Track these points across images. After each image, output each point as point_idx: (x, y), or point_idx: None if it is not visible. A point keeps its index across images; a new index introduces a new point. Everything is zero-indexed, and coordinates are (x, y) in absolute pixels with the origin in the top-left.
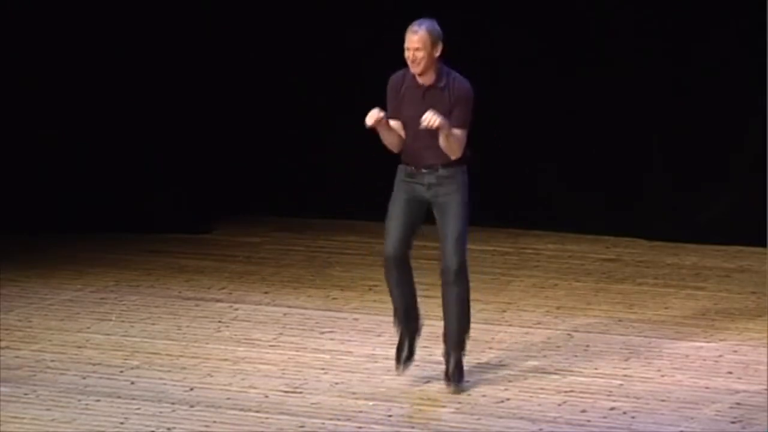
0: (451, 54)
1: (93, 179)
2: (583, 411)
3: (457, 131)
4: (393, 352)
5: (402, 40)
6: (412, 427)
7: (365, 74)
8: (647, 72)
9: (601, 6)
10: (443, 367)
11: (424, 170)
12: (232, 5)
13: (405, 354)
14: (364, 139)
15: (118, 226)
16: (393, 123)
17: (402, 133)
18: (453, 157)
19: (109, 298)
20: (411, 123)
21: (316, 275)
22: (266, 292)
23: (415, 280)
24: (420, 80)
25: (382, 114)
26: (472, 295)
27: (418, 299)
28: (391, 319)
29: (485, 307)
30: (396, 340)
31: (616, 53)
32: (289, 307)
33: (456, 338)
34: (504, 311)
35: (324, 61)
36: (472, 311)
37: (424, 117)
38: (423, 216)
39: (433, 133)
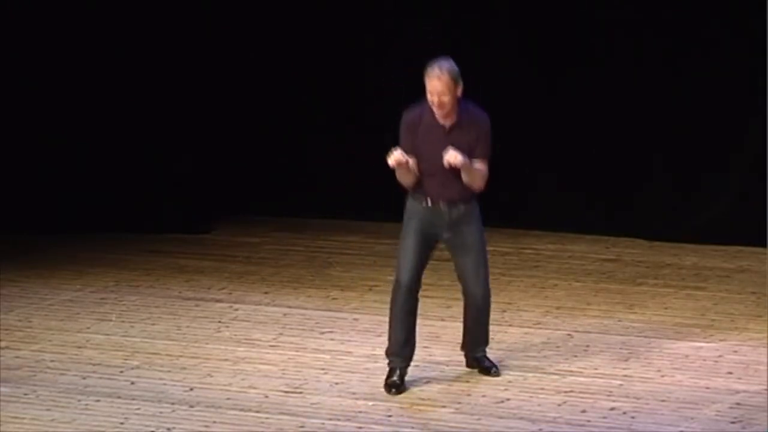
0: (452, 53)
1: (93, 179)
2: (583, 411)
3: (480, 165)
4: None
5: (402, 42)
6: (412, 427)
7: (366, 75)
8: (647, 72)
9: (601, 6)
10: (446, 369)
11: (443, 206)
12: (232, 6)
13: (396, 382)
14: (365, 140)
15: (118, 226)
16: (411, 162)
17: (416, 170)
18: (476, 190)
19: (109, 298)
20: (432, 161)
21: (316, 275)
22: (266, 292)
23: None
24: (441, 120)
25: (405, 157)
26: None
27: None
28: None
29: None
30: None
31: (616, 54)
32: (289, 307)
33: (486, 337)
34: (504, 311)
35: (324, 61)
36: None
37: (446, 156)
38: (433, 252)
39: (454, 169)
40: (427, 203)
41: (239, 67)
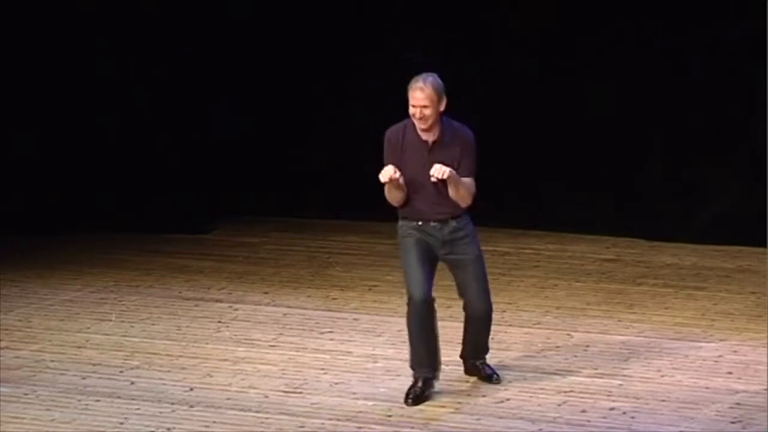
0: (452, 54)
1: (93, 180)
2: (583, 411)
3: (467, 180)
4: (391, 352)
5: (402, 44)
6: (412, 427)
7: (366, 75)
8: (647, 72)
9: (601, 6)
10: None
11: (433, 224)
12: (232, 6)
13: (417, 391)
14: (365, 140)
15: (118, 226)
16: (402, 179)
17: (404, 186)
18: (464, 206)
19: (108, 298)
20: (418, 178)
21: (316, 275)
22: (266, 292)
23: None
24: (424, 136)
25: (397, 174)
26: None
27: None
28: (390, 319)
29: None
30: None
31: (616, 53)
32: (289, 307)
33: (486, 346)
34: (504, 311)
35: (324, 61)
36: None
37: (432, 170)
38: (436, 264)
39: (440, 187)
40: (415, 222)
41: (240, 67)
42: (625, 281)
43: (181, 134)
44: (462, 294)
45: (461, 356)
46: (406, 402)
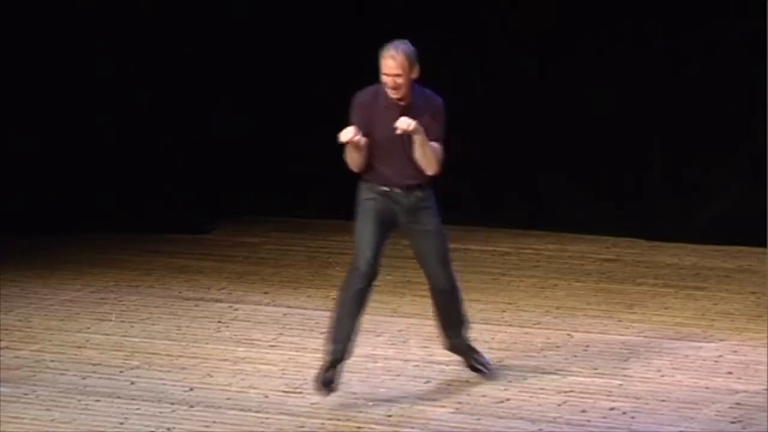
0: (452, 54)
1: (93, 179)
2: (583, 411)
3: (434, 144)
4: (392, 352)
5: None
6: (412, 427)
7: (366, 75)
8: (647, 72)
9: (601, 6)
10: (449, 367)
11: (398, 190)
12: (232, 6)
13: (332, 377)
14: None
15: (118, 226)
16: (363, 141)
17: (365, 150)
18: (430, 172)
19: (108, 298)
20: (387, 142)
21: (316, 275)
22: (266, 292)
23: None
24: (395, 101)
25: (358, 135)
26: (472, 295)
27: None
28: (390, 319)
29: (485, 307)
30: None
31: (616, 53)
32: (289, 307)
33: (461, 318)
34: (504, 311)
35: (324, 61)
36: (472, 311)
37: (398, 122)
38: (390, 236)
39: (408, 152)
40: (381, 186)
41: (240, 67)
42: (625, 281)
43: (181, 134)
44: (423, 263)
45: (439, 335)
46: (321, 390)
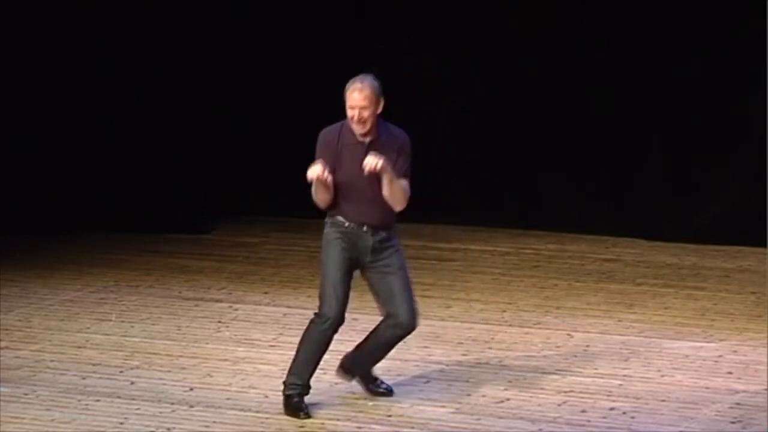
0: (452, 54)
1: (93, 180)
2: (583, 411)
3: (402, 181)
4: (392, 352)
5: (402, 47)
6: (412, 427)
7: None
8: (647, 72)
9: (601, 6)
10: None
11: (365, 229)
12: (232, 6)
13: (305, 405)
14: None
15: (118, 226)
16: (330, 178)
17: (332, 187)
18: (398, 208)
19: (109, 298)
20: (353, 180)
21: (315, 275)
22: (266, 292)
23: (413, 285)
24: (361, 137)
25: (327, 172)
26: (472, 295)
27: (414, 299)
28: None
29: (485, 307)
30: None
31: (616, 54)
32: (289, 307)
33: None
34: (504, 311)
35: (324, 61)
36: (472, 311)
37: (366, 161)
38: (352, 275)
39: (375, 190)
40: (348, 224)
41: (240, 67)
42: (625, 281)
43: (181, 134)
44: (387, 300)
45: (343, 366)
46: (299, 416)
